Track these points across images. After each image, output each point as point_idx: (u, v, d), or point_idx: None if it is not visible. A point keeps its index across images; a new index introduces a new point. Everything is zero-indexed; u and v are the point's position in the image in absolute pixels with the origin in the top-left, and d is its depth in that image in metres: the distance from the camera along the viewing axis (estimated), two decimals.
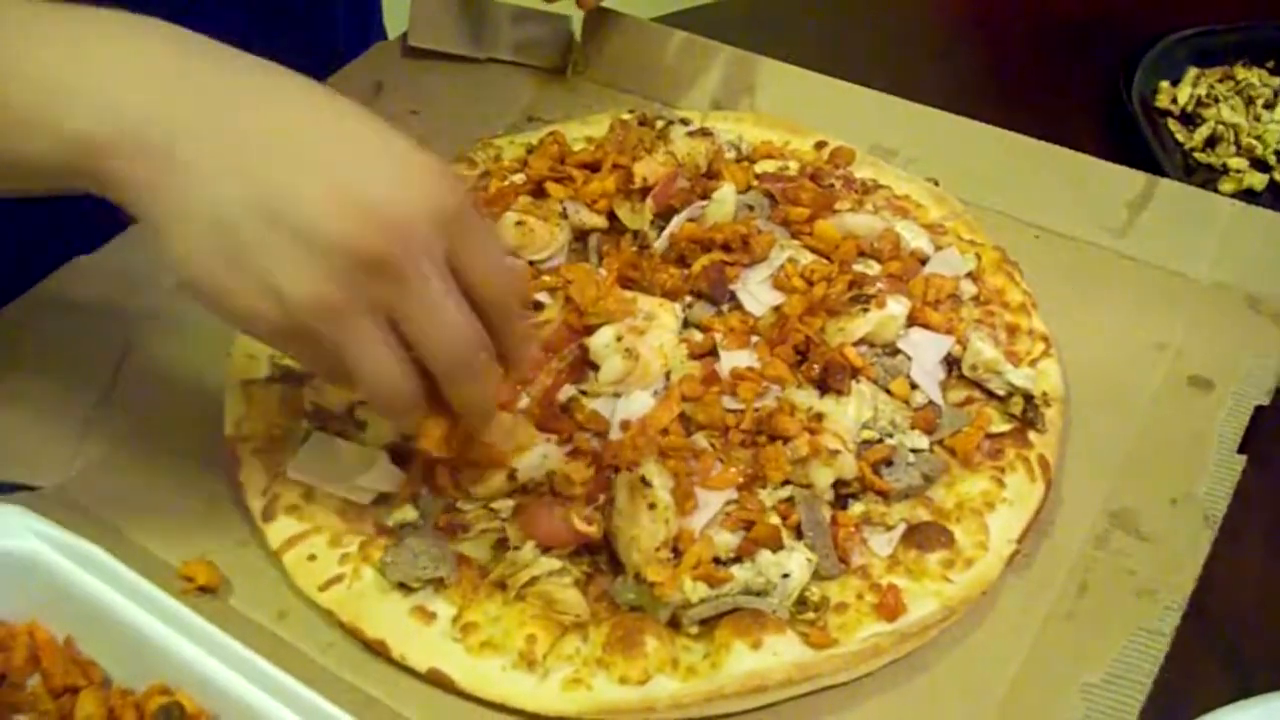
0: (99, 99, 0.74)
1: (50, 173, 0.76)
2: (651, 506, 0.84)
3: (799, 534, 0.87)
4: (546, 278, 1.00)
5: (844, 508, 0.89)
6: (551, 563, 0.85)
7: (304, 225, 0.72)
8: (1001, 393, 0.94)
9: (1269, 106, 1.28)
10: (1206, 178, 1.21)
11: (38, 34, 0.76)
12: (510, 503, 0.89)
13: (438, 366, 0.77)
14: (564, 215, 1.05)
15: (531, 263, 1.02)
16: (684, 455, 0.88)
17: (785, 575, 0.84)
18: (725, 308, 0.99)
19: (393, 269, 0.73)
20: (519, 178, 1.10)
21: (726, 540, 0.85)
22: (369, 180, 0.73)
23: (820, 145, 1.17)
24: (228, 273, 0.73)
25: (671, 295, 0.99)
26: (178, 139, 0.73)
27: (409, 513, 0.88)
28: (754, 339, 0.96)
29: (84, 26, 0.76)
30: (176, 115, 0.74)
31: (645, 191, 1.05)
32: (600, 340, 0.93)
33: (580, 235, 1.05)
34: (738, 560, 0.85)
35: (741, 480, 0.88)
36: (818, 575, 0.85)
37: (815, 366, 0.93)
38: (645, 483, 0.85)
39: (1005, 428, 0.93)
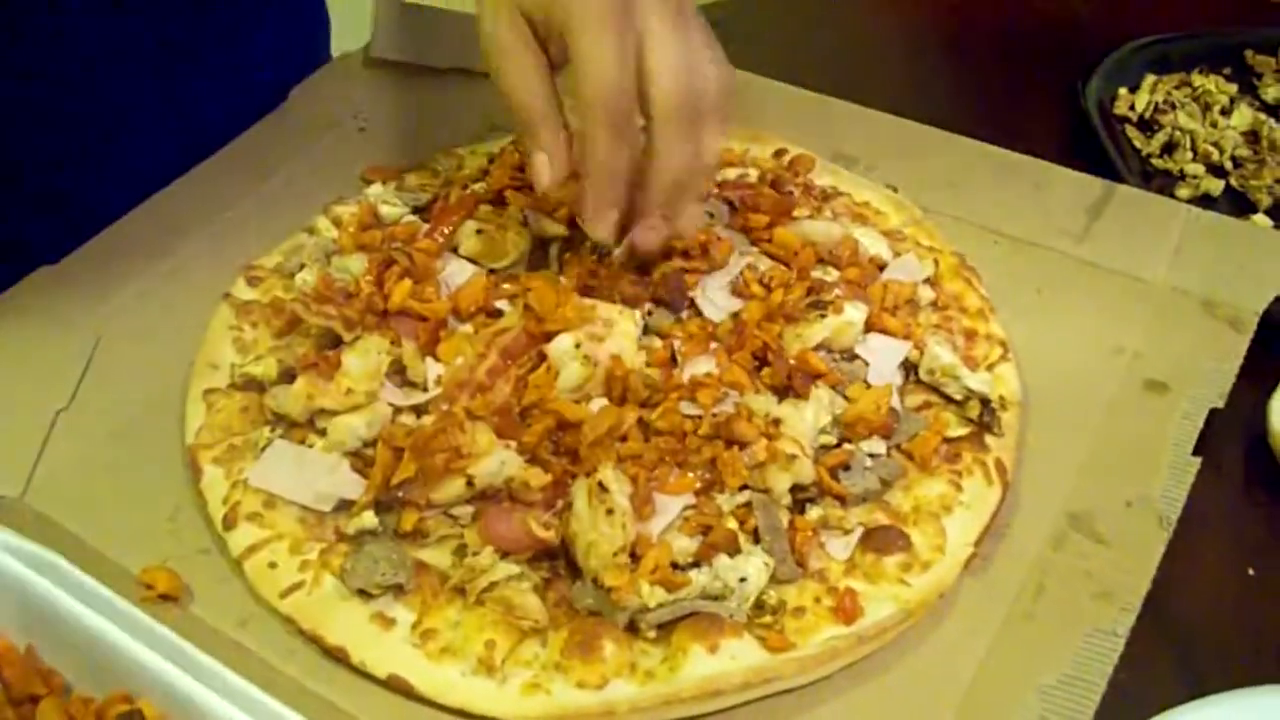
0: None
1: None
2: (610, 512, 0.84)
3: (756, 538, 0.87)
4: (507, 285, 1.01)
5: (801, 512, 0.89)
6: (510, 568, 0.86)
7: None
8: (958, 397, 0.95)
9: (1225, 113, 1.29)
10: (1164, 183, 1.22)
11: None
12: (469, 509, 0.89)
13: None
14: (525, 223, 1.06)
15: (492, 271, 1.03)
16: (642, 461, 0.88)
17: (742, 579, 0.84)
18: (685, 315, 1.00)
19: None
20: (480, 186, 1.10)
21: (684, 545, 0.86)
22: None
23: (780, 153, 1.17)
24: None
25: (631, 303, 0.99)
26: None
27: (369, 520, 0.88)
28: (713, 345, 0.96)
29: None
30: None
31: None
32: (559, 347, 0.93)
33: (541, 243, 1.06)
34: (695, 565, 0.85)
35: (699, 485, 0.88)
36: (775, 579, 0.85)
37: (780, 372, 0.93)
38: (603, 488, 0.85)
39: (962, 432, 0.94)
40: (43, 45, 1.10)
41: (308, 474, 0.91)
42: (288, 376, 0.95)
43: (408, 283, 0.99)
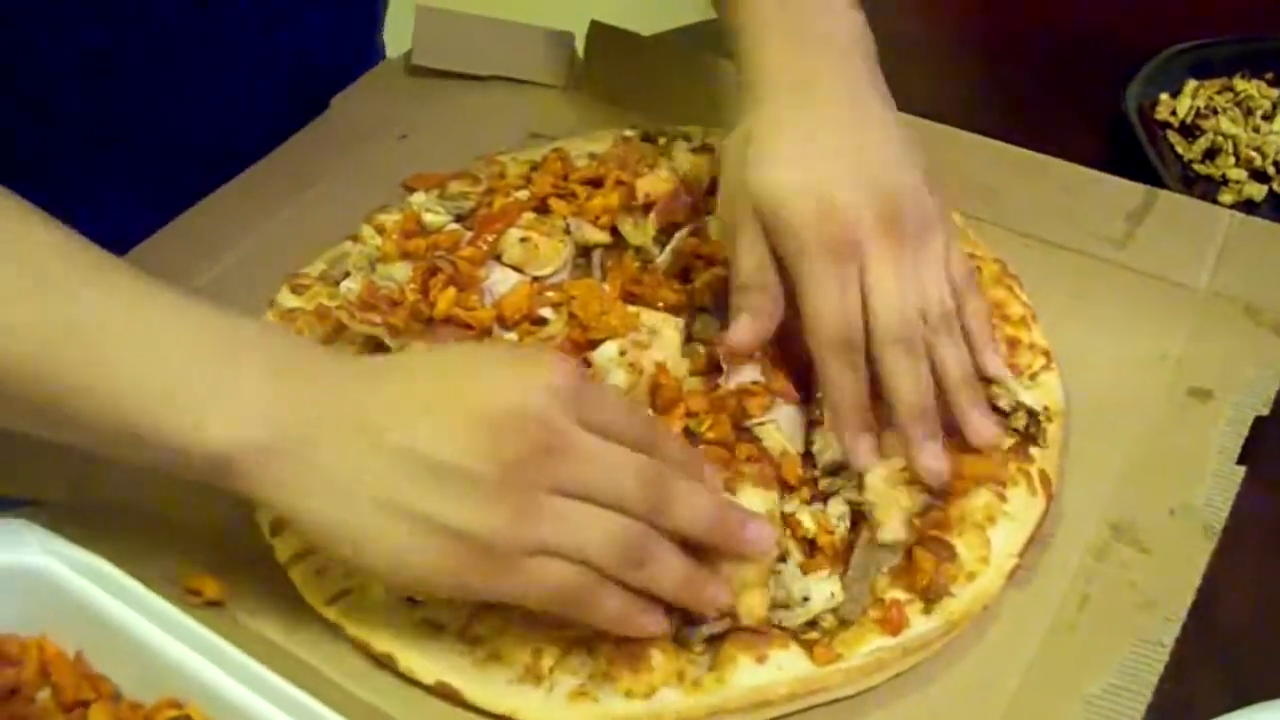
0: (229, 414, 0.76)
1: (176, 472, 0.79)
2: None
3: (810, 550, 0.88)
4: (550, 293, 1.01)
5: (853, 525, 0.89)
6: None
7: (445, 463, 0.75)
8: (1007, 409, 0.95)
9: (1267, 118, 1.28)
10: (1206, 189, 1.22)
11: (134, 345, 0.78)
12: None
13: (638, 503, 0.78)
14: (567, 231, 1.06)
15: (535, 279, 1.03)
16: None
17: (806, 598, 0.84)
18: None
19: (544, 449, 0.75)
20: (523, 194, 1.10)
21: None
22: (487, 397, 0.76)
23: None
24: (407, 542, 0.76)
25: (674, 310, 1.00)
26: (305, 445, 0.76)
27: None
28: (756, 353, 0.96)
29: (208, 335, 0.79)
30: (297, 422, 0.77)
31: (648, 207, 1.06)
32: (604, 354, 0.94)
33: (584, 251, 1.06)
34: None
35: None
36: (834, 610, 0.85)
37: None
38: (783, 518, 0.86)
39: (1008, 442, 0.94)
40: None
41: None
42: None
43: (452, 291, 0.99)
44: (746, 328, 0.93)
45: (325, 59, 1.31)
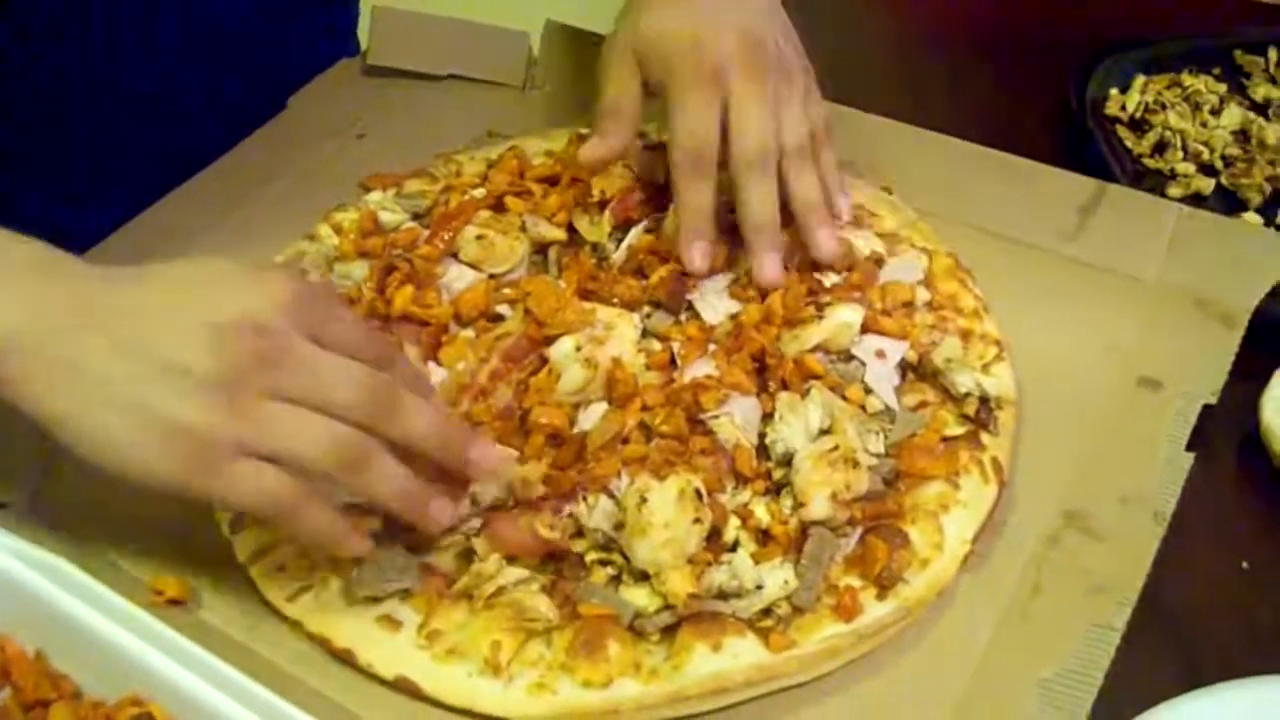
0: None
1: None
2: (697, 521, 0.86)
3: (763, 540, 0.88)
4: (507, 290, 1.02)
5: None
6: (518, 572, 0.87)
7: (173, 362, 0.77)
8: (964, 390, 0.96)
9: (1215, 113, 1.30)
10: (1155, 183, 1.23)
11: None
12: (477, 522, 0.90)
13: (356, 410, 0.81)
14: (524, 229, 1.07)
15: (492, 276, 1.04)
16: (646, 463, 0.89)
17: (759, 586, 0.85)
18: (683, 317, 1.01)
19: (265, 357, 0.79)
20: (479, 192, 1.11)
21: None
22: (218, 305, 0.79)
23: None
24: (136, 436, 0.78)
25: (630, 306, 1.00)
26: (49, 341, 0.78)
27: (374, 523, 0.89)
28: (711, 348, 0.97)
29: None
30: (44, 322, 0.79)
31: (604, 205, 1.07)
32: (560, 350, 0.95)
33: (540, 248, 1.07)
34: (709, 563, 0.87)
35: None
36: (788, 598, 0.86)
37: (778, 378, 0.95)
38: (699, 495, 0.87)
39: (959, 431, 0.95)
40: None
41: None
42: None
43: (409, 288, 1.00)
44: (595, 146, 1.04)
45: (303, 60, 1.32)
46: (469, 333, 0.99)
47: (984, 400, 0.95)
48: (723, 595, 0.85)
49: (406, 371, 0.88)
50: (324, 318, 0.82)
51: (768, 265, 0.99)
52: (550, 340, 0.96)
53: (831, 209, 1.04)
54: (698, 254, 1.00)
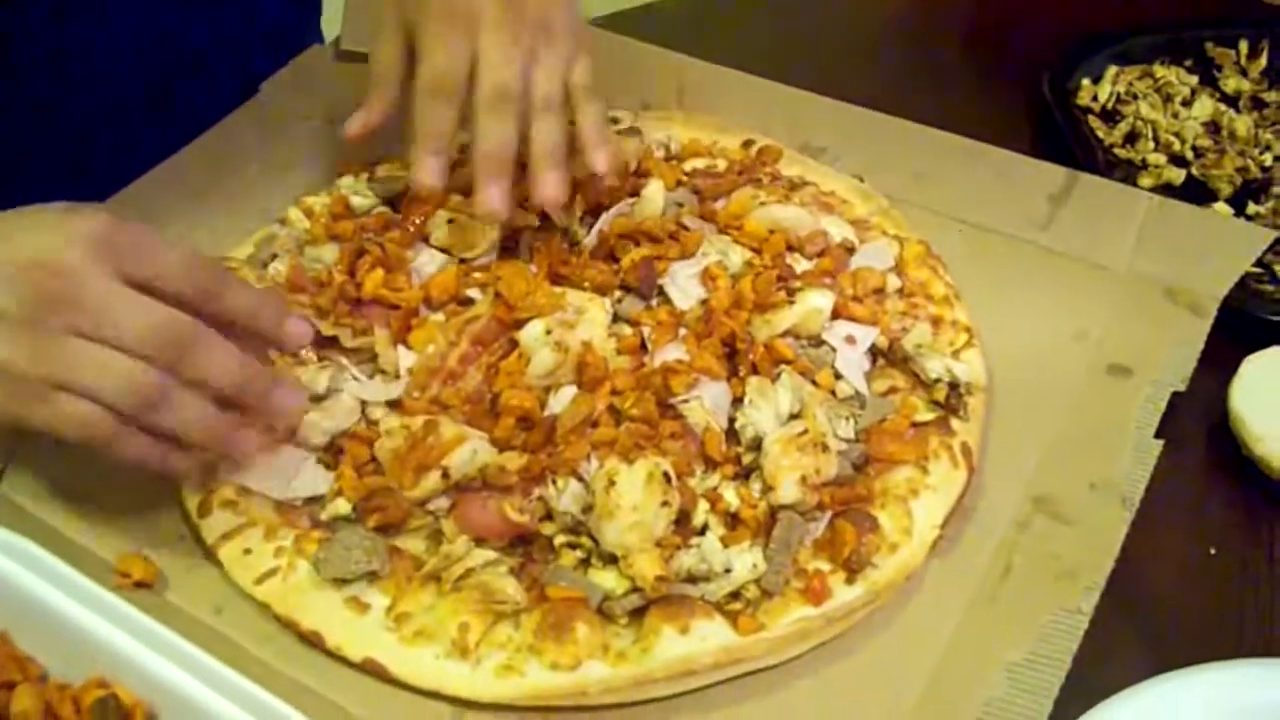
0: None
1: None
2: (665, 504, 0.86)
3: (732, 523, 0.88)
4: (478, 274, 1.02)
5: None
6: (486, 554, 0.87)
7: None
8: (934, 376, 0.96)
9: (1186, 104, 1.30)
10: (1126, 173, 1.23)
11: None
12: (446, 501, 0.90)
13: (148, 349, 0.82)
14: None
15: (463, 260, 1.04)
16: (616, 447, 0.89)
17: (728, 570, 0.85)
18: (654, 302, 1.01)
19: (63, 297, 0.81)
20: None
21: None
22: (24, 241, 0.82)
23: (748, 143, 1.18)
24: None
25: (601, 290, 1.00)
26: None
27: (342, 506, 0.89)
28: (682, 332, 0.97)
29: None
30: None
31: (575, 189, 1.07)
32: (530, 334, 0.94)
33: (512, 233, 1.07)
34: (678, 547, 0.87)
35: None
36: (757, 581, 0.86)
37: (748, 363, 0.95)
38: (667, 478, 0.86)
39: (929, 416, 0.95)
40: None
41: (278, 469, 0.92)
42: None
43: (380, 272, 1.00)
44: (358, 118, 1.07)
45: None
46: (439, 316, 0.99)
47: (954, 386, 0.95)
48: (691, 579, 0.85)
49: (241, 299, 0.88)
50: (134, 256, 0.83)
51: (492, 196, 0.99)
52: (521, 324, 0.96)
53: (590, 163, 1.03)
54: (426, 170, 1.01)
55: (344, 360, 0.97)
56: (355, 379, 0.96)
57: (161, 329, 0.82)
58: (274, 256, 1.05)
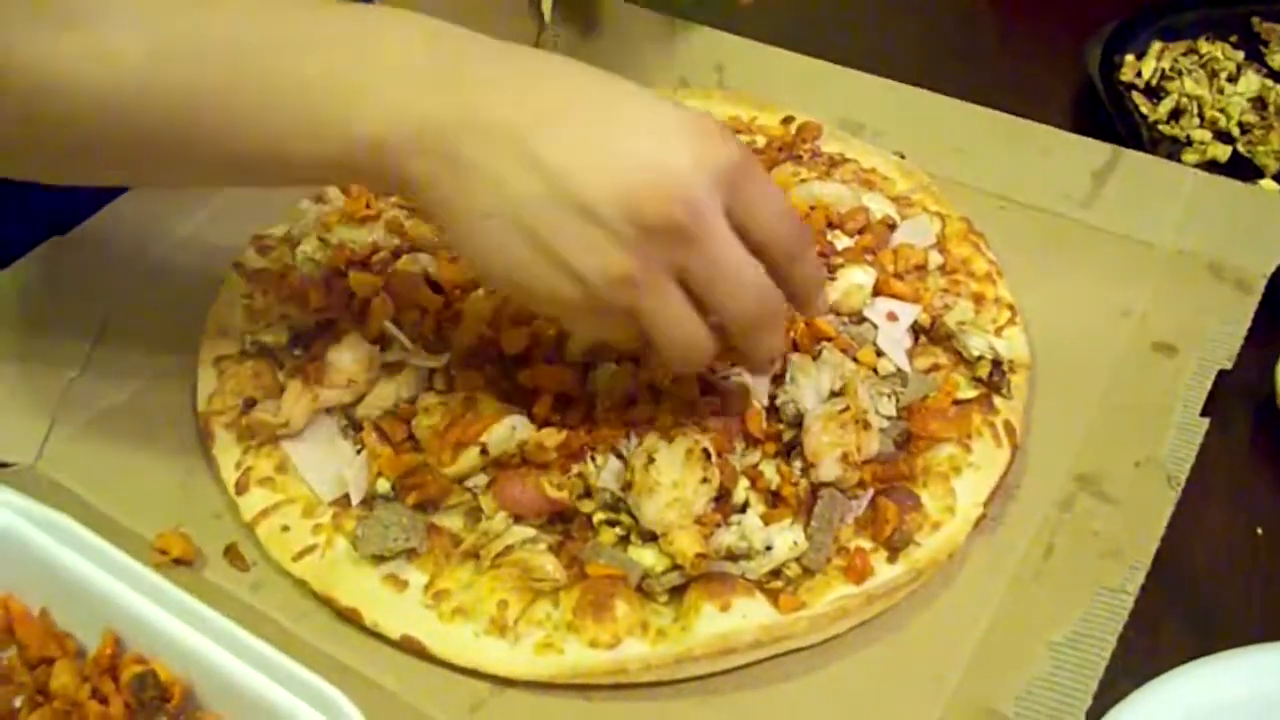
0: (384, 99, 0.75)
1: (330, 170, 0.81)
2: (705, 481, 0.85)
3: (773, 501, 0.88)
4: None
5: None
6: (525, 531, 0.86)
7: (590, 206, 0.74)
8: (977, 353, 0.95)
9: (1232, 79, 1.29)
10: (1170, 149, 1.22)
11: (312, 37, 0.78)
12: (484, 477, 0.90)
13: (735, 323, 0.80)
14: None
15: None
16: (656, 425, 0.88)
17: (769, 547, 0.84)
18: None
19: (681, 233, 0.75)
20: None
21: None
22: (644, 151, 0.75)
23: (788, 120, 1.18)
24: (528, 264, 0.76)
25: None
26: (461, 139, 0.74)
27: (382, 486, 0.89)
28: None
29: (354, 25, 0.78)
30: (452, 114, 0.75)
31: None
32: None
33: None
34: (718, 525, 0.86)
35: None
36: (798, 559, 0.85)
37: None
38: (707, 455, 0.86)
39: (971, 394, 0.94)
40: None
41: (333, 462, 0.92)
42: (299, 342, 0.96)
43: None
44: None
45: None
46: (480, 291, 0.98)
47: (996, 363, 0.94)
48: (731, 556, 0.84)
49: (810, 267, 0.84)
50: (751, 195, 0.77)
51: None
52: None
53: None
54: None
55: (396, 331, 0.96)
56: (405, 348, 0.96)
57: (756, 304, 0.79)
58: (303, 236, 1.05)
